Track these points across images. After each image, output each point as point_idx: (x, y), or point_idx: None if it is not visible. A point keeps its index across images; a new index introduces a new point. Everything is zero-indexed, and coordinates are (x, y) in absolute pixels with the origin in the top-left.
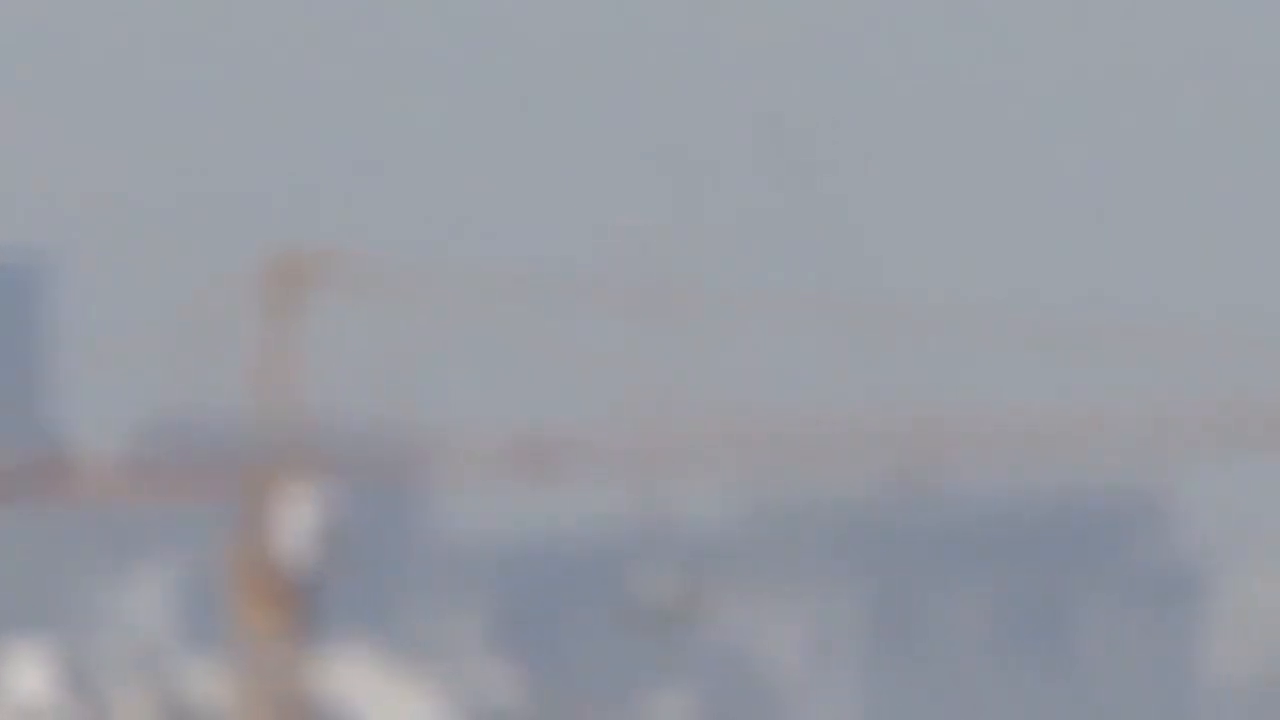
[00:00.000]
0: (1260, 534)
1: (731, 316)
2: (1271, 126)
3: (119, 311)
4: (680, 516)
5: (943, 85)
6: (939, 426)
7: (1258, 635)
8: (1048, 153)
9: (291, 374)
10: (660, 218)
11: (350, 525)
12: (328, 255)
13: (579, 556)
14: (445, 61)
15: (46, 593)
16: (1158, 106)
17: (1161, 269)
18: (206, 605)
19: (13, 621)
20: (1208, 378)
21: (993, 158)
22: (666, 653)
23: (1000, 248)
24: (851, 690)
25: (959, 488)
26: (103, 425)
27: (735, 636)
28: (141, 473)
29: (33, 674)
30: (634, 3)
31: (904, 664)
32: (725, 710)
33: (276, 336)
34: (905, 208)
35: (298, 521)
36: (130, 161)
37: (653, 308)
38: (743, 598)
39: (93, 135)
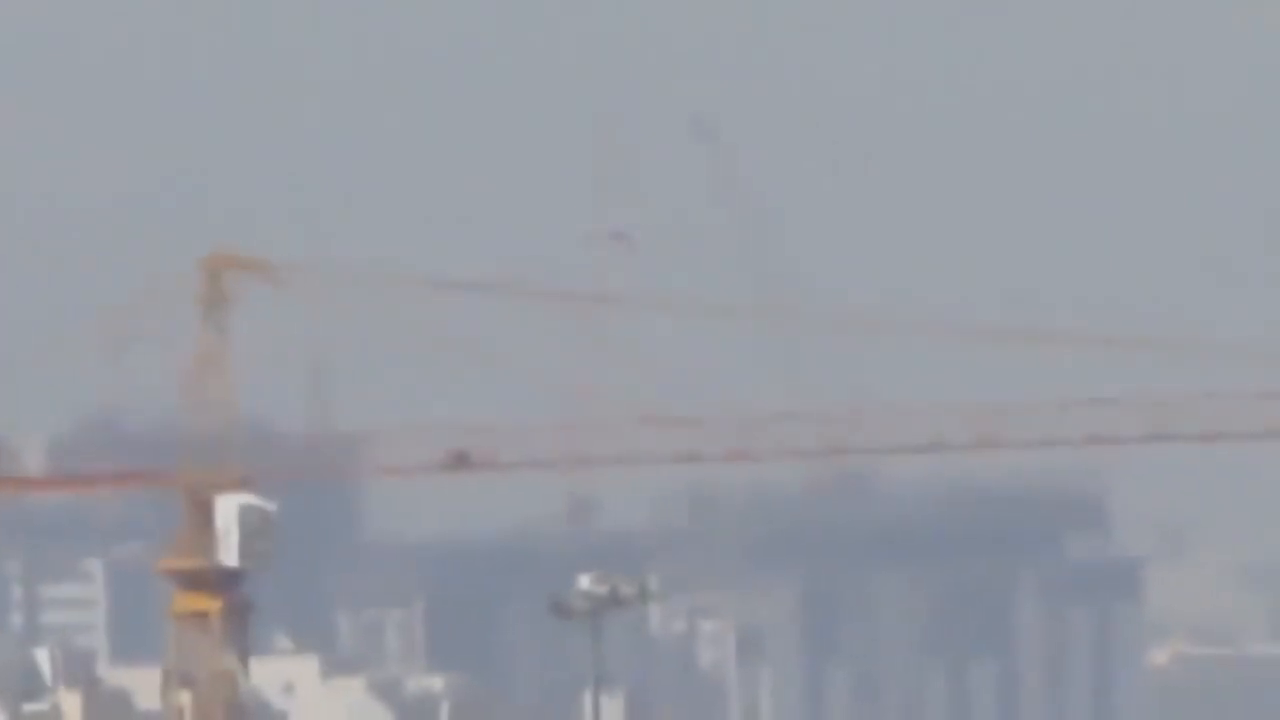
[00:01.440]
0: (1192, 528)
1: (657, 319)
2: (1203, 134)
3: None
4: (609, 515)
5: (867, 94)
6: (868, 424)
7: (1187, 627)
8: (973, 158)
9: (222, 375)
10: (586, 223)
11: (280, 524)
12: (258, 261)
13: (508, 555)
14: (379, 71)
15: None
16: (1086, 113)
17: (1092, 270)
18: (138, 602)
19: None
20: (1140, 376)
21: (918, 164)
22: (596, 649)
23: (929, 251)
24: (781, 684)
25: (889, 484)
26: (33, 423)
27: (665, 632)
28: (72, 470)
29: None
30: (561, 13)
31: (834, 658)
32: (656, 705)
33: (207, 339)
34: (831, 213)
35: (228, 520)
36: (60, 164)
37: (579, 311)
38: (672, 594)
39: (25, 139)
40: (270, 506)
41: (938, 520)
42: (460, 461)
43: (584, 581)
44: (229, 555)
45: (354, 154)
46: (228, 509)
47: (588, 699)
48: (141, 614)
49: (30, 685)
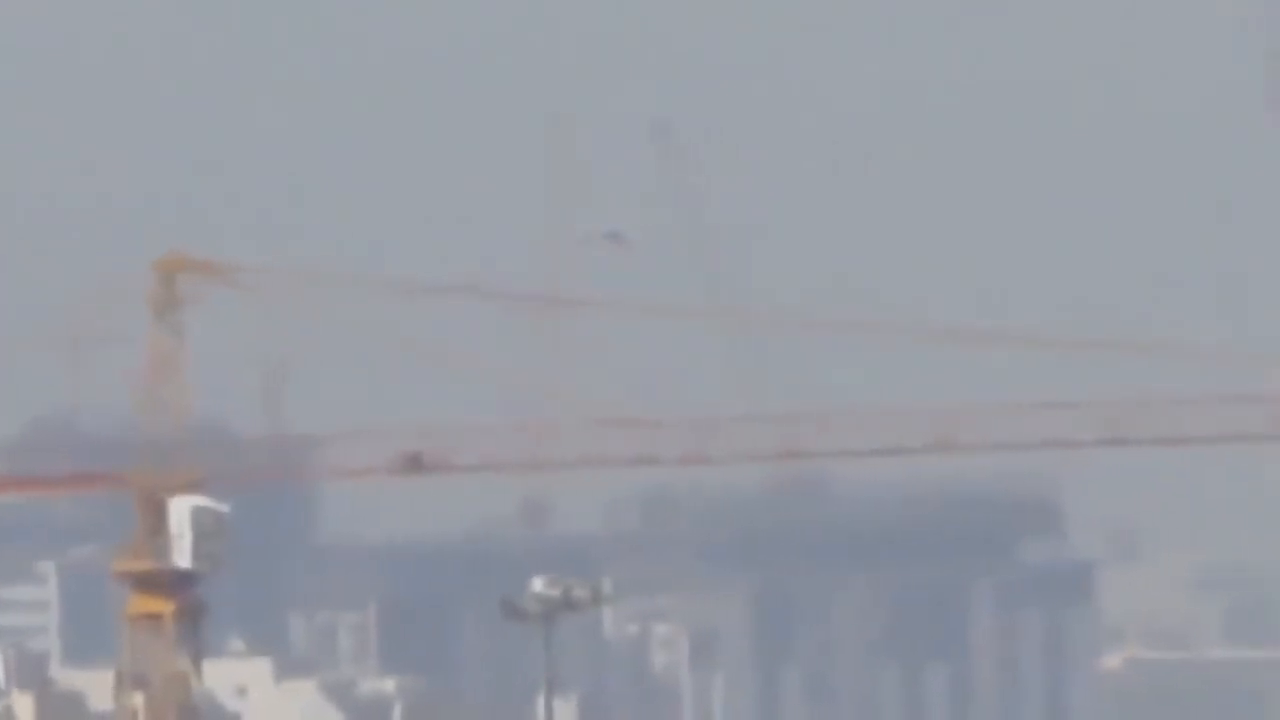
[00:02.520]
0: (1146, 532)
1: (613, 322)
2: (1160, 138)
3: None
4: (563, 517)
5: (825, 98)
6: (824, 427)
7: (1141, 631)
8: (931, 162)
9: (176, 377)
10: (545, 226)
11: (234, 526)
12: (212, 263)
13: (462, 558)
14: (336, 75)
15: None
16: (1043, 116)
17: (1047, 274)
18: (91, 604)
19: None
20: (1095, 379)
21: (876, 167)
22: (550, 652)
23: (886, 254)
24: (735, 687)
25: (845, 487)
26: None
27: (619, 635)
28: (25, 472)
29: None
30: (518, 16)
31: (788, 661)
32: (609, 708)
33: (162, 341)
34: (788, 216)
35: (182, 522)
36: (15, 166)
37: (535, 313)
38: (626, 597)
39: None
40: (224, 508)
41: (893, 523)
42: (414, 464)
43: (537, 584)
44: (182, 557)
45: (310, 156)
46: (181, 511)
47: (541, 702)
48: (95, 616)
49: None
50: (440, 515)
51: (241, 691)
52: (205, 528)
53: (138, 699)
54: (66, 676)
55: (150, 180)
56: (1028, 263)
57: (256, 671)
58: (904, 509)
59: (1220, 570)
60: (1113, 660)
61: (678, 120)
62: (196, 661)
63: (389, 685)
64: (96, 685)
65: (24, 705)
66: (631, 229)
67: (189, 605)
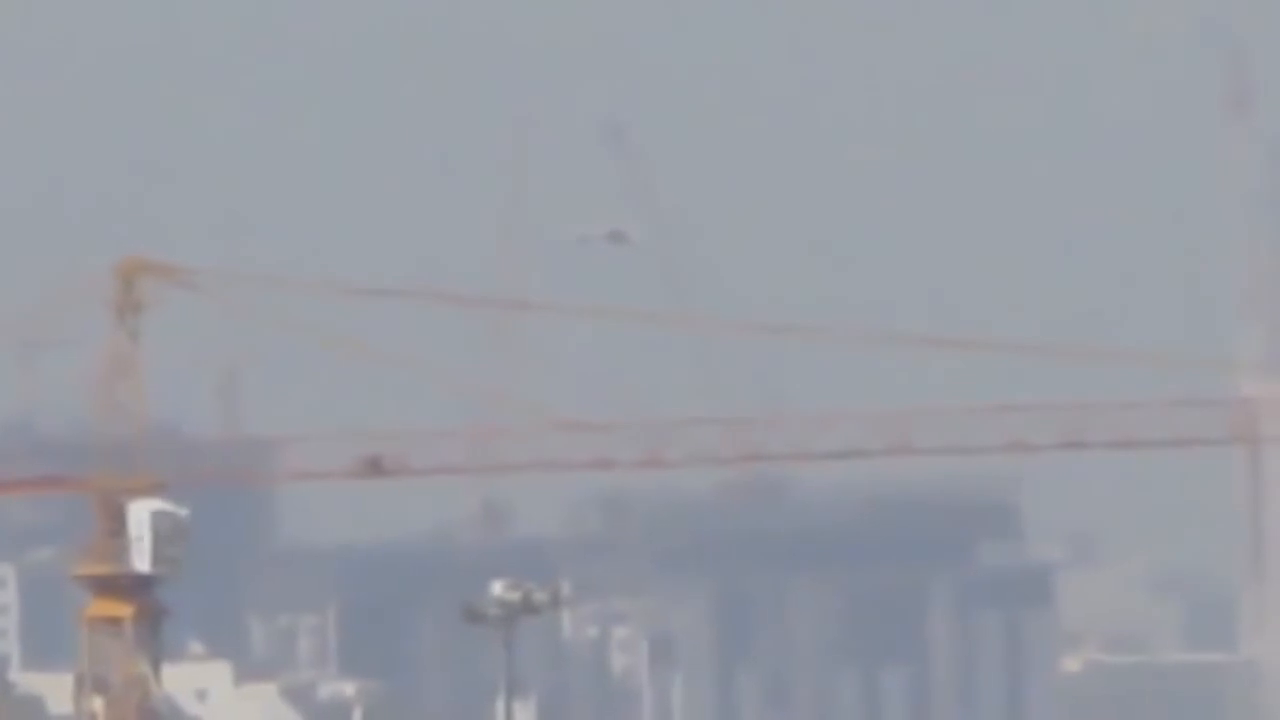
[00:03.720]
0: (1105, 535)
1: (571, 325)
2: (1117, 143)
3: None
4: (522, 521)
5: (782, 100)
6: (781, 431)
7: (1100, 634)
8: (888, 166)
9: (134, 380)
10: (502, 230)
11: (193, 530)
12: (170, 267)
13: (420, 561)
14: (292, 77)
15: None
16: (1001, 121)
17: (1005, 278)
18: (51, 607)
19: None
20: (1053, 383)
21: (833, 170)
22: (509, 655)
23: (844, 258)
24: (694, 689)
25: (803, 491)
26: None
27: (578, 638)
28: None
29: None
30: (474, 17)
31: (746, 664)
32: (568, 711)
33: (120, 344)
34: (745, 219)
35: (141, 526)
36: None
37: (493, 317)
38: (585, 600)
39: None
40: (183, 512)
41: (851, 526)
42: (373, 467)
43: (496, 587)
44: (142, 561)
45: (267, 160)
46: (140, 515)
47: (500, 704)
48: (54, 619)
49: None
50: (399, 518)
51: (201, 695)
52: (164, 531)
53: (97, 702)
54: (26, 680)
55: (106, 184)
56: (986, 267)
57: (216, 675)
58: (862, 512)
59: (1178, 574)
60: (1071, 663)
61: (636, 124)
62: (156, 665)
63: (348, 688)
64: (56, 688)
65: None
66: (589, 232)
67: (148, 609)
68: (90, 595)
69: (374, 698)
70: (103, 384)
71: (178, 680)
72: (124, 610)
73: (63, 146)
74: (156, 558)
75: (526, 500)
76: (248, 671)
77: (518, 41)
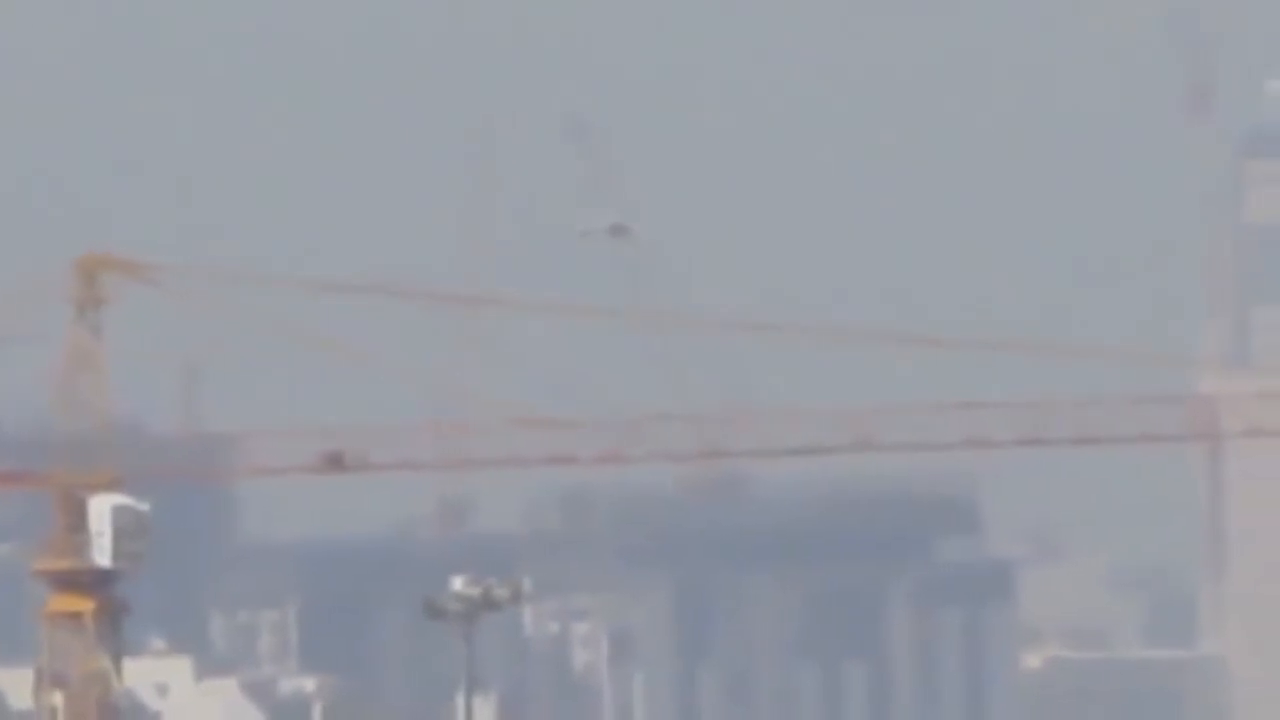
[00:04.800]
0: (1064, 532)
1: (531, 321)
2: (1077, 138)
3: None
4: (482, 517)
5: (742, 96)
6: (742, 427)
7: (1060, 630)
8: (848, 161)
9: (95, 376)
10: (463, 225)
11: (153, 525)
12: (132, 262)
13: (381, 557)
14: (254, 72)
15: None
16: (962, 116)
17: (965, 273)
18: (11, 602)
19: None
20: (1012, 379)
21: (793, 166)
22: (469, 651)
23: (804, 253)
24: (654, 686)
25: (763, 487)
26: None
27: (538, 634)
28: None
29: None
30: (436, 14)
31: (706, 660)
32: (529, 707)
33: (81, 339)
34: (705, 215)
35: (101, 521)
36: None
37: (454, 313)
38: (546, 596)
39: None
40: (143, 507)
41: (811, 522)
42: (334, 463)
43: (457, 583)
44: (102, 556)
45: (228, 155)
46: (101, 510)
47: (461, 700)
48: (14, 615)
49: None
50: (360, 514)
51: (162, 690)
52: (125, 526)
53: (57, 698)
54: None
55: (68, 180)
56: (947, 264)
57: (176, 670)
58: (822, 508)
59: (1139, 570)
60: (1031, 660)
61: (597, 120)
62: (117, 660)
63: (309, 684)
64: (16, 684)
65: None
66: (550, 227)
67: (109, 604)
68: (50, 590)
69: (335, 693)
70: (64, 379)
71: (138, 675)
72: (85, 605)
73: (24, 142)
74: (117, 553)
75: (488, 496)
76: (208, 667)
77: (482, 38)
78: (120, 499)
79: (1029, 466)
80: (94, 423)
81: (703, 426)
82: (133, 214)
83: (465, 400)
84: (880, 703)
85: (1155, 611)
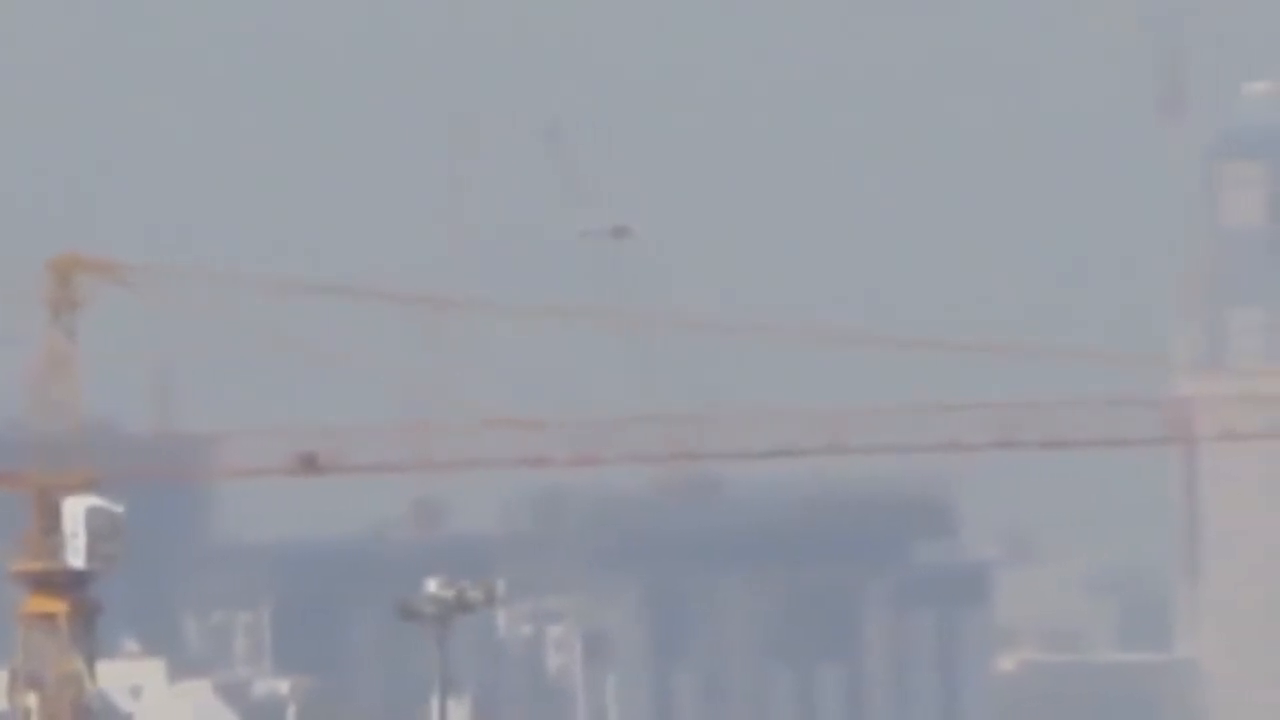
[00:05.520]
0: (1039, 534)
1: (505, 322)
2: (1051, 140)
3: None
4: (456, 518)
5: (716, 98)
6: (716, 429)
7: (1034, 633)
8: (823, 162)
9: (70, 377)
10: (438, 227)
11: (128, 527)
12: (106, 263)
13: (355, 558)
14: (228, 73)
15: None
16: (936, 117)
17: (940, 275)
18: None
19: None
20: (988, 382)
21: (768, 167)
22: (443, 653)
23: (778, 254)
24: (628, 688)
25: (737, 489)
26: None
27: (512, 636)
28: None
29: None
30: (413, 15)
31: (681, 662)
32: (502, 709)
33: (55, 340)
34: (679, 216)
35: (76, 522)
36: None
37: (428, 314)
38: (519, 598)
39: None
40: (118, 509)
41: (785, 524)
42: (308, 464)
43: (431, 585)
44: (77, 557)
45: (202, 156)
46: (75, 511)
47: (434, 702)
48: None
49: None
50: (334, 516)
51: (135, 692)
52: (100, 528)
53: (31, 699)
54: None
55: (42, 181)
56: (921, 266)
57: (150, 672)
58: (796, 510)
59: (1113, 573)
60: (1006, 662)
61: (573, 122)
62: (90, 662)
63: (283, 685)
64: None
65: None
66: (525, 229)
67: (83, 605)
68: (25, 591)
69: (308, 695)
70: (38, 381)
71: (112, 677)
72: (58, 607)
73: None
74: (91, 554)
75: (461, 498)
76: (182, 669)
77: (457, 40)
78: (95, 501)
79: (1004, 469)
80: (69, 424)
81: (677, 428)
82: (107, 215)
83: (439, 401)
84: (855, 705)
85: (1130, 614)
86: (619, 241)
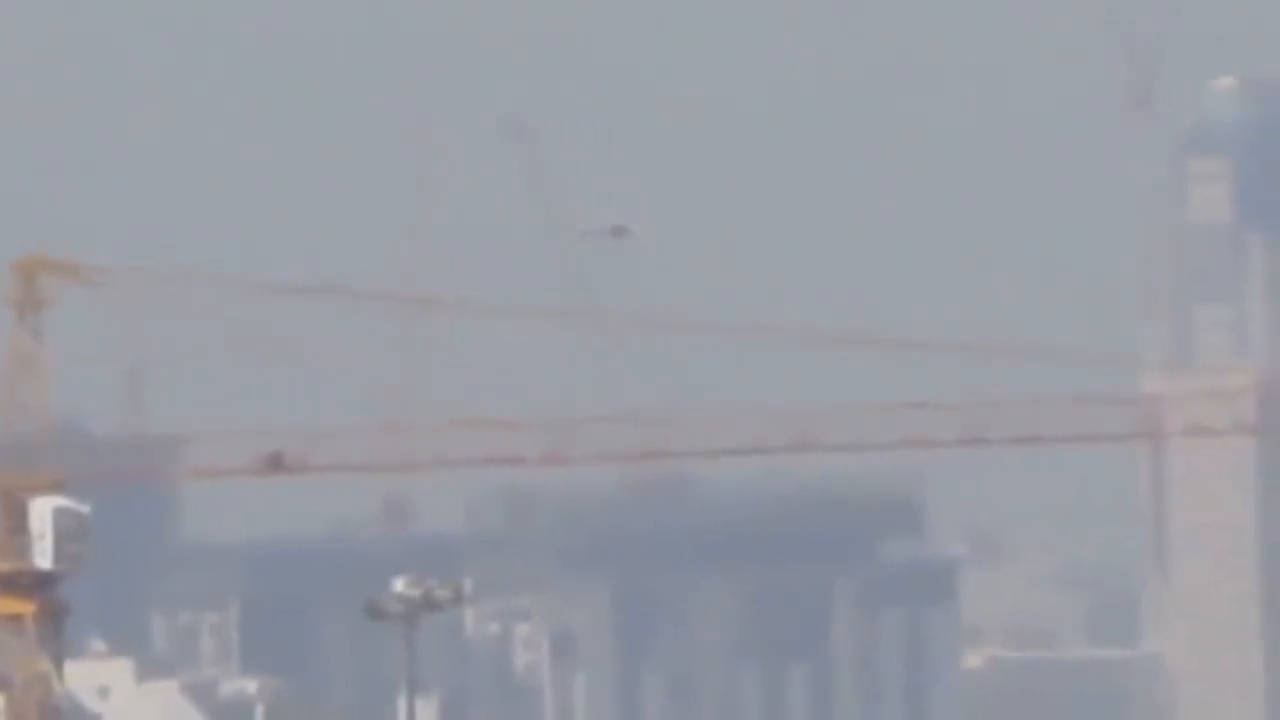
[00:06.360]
0: (1007, 531)
1: (473, 321)
2: (1016, 140)
3: None
4: (424, 517)
5: (683, 96)
6: (684, 427)
7: (1002, 630)
8: (791, 161)
9: (37, 378)
10: (405, 226)
11: (95, 527)
12: (72, 264)
13: (323, 558)
14: (196, 73)
15: None
16: (903, 117)
17: (907, 273)
18: None
19: None
20: (955, 379)
21: (736, 165)
22: (411, 652)
23: (745, 253)
24: (596, 686)
25: (706, 487)
26: None
27: (480, 635)
28: None
29: None
30: (377, 14)
31: (648, 661)
32: (470, 708)
33: (22, 341)
34: (648, 214)
35: (43, 523)
36: None
37: (395, 313)
38: (487, 597)
39: None
40: (85, 509)
41: (753, 523)
42: (275, 464)
43: (398, 584)
44: (44, 558)
45: (168, 156)
46: (42, 512)
47: (402, 701)
48: None
49: None
50: (301, 515)
51: (103, 692)
52: (67, 529)
53: (0, 699)
54: None
55: (7, 181)
56: (887, 263)
57: (118, 672)
58: (765, 509)
59: (1081, 570)
60: (974, 659)
61: (539, 120)
62: (58, 662)
63: (250, 685)
64: None
65: None
66: (492, 228)
67: (51, 606)
68: None
69: (276, 695)
70: (5, 382)
71: (80, 678)
72: (26, 607)
73: None
74: (59, 555)
75: (429, 497)
76: (149, 669)
77: (423, 38)
78: (62, 501)
79: (972, 466)
80: (35, 425)
81: (646, 427)
82: (73, 215)
83: (407, 401)
84: (823, 703)
85: (1098, 611)
86: (618, 241)
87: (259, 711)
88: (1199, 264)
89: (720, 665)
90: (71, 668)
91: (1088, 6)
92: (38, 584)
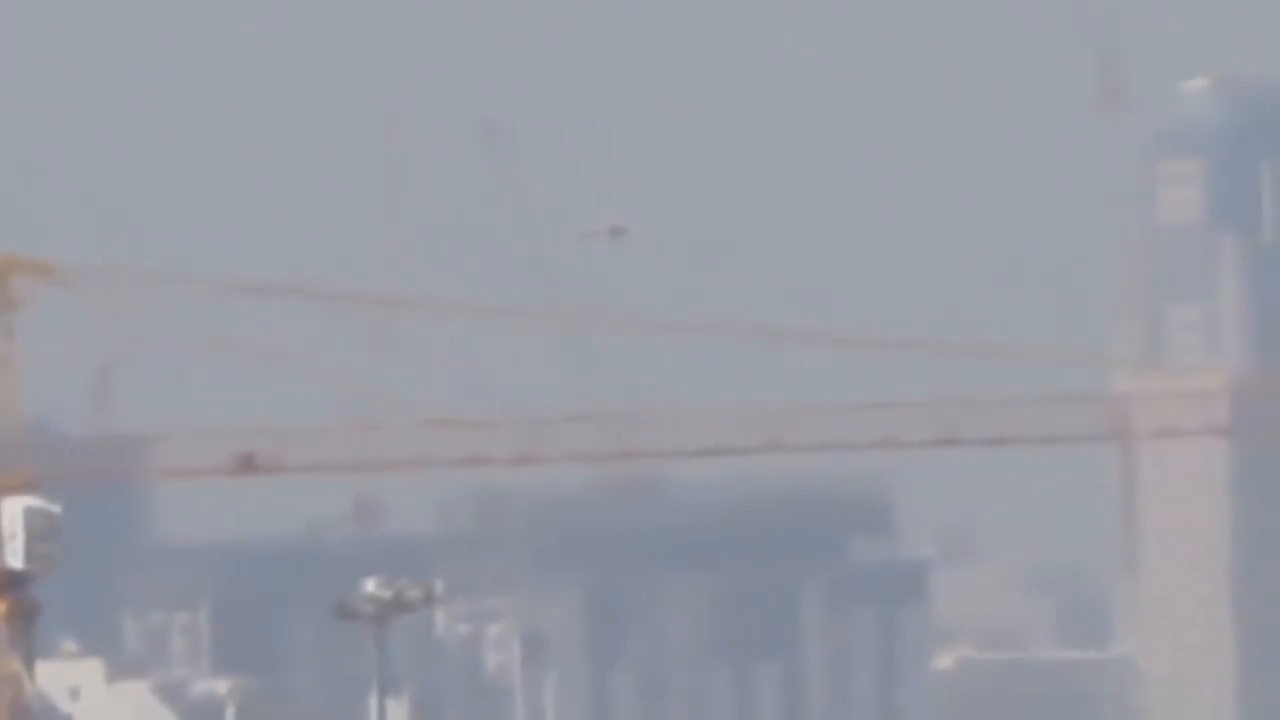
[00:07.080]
0: (977, 532)
1: (444, 321)
2: (991, 137)
3: None
4: (395, 518)
5: (654, 95)
6: (654, 427)
7: (973, 631)
8: (762, 159)
9: (8, 378)
10: (377, 227)
11: (65, 527)
12: (44, 263)
13: (294, 558)
14: (169, 72)
15: None
16: (877, 114)
17: (878, 273)
18: None
19: None
20: (925, 379)
21: (706, 164)
22: (381, 653)
23: (716, 252)
24: (567, 687)
25: (676, 488)
26: None
27: (451, 636)
28: None
29: None
30: (350, 14)
31: (619, 661)
32: (441, 708)
33: None
34: (617, 215)
35: (13, 523)
36: None
37: (367, 313)
38: (458, 597)
39: None
40: (55, 509)
41: (724, 523)
42: (246, 464)
43: (369, 584)
44: (15, 558)
45: (139, 155)
46: (13, 512)
47: (373, 702)
48: None
49: None
50: (272, 516)
51: (74, 693)
52: (38, 529)
53: None
54: None
55: None
56: (857, 263)
57: (88, 672)
58: (735, 509)
59: (1051, 571)
60: (944, 660)
61: (511, 120)
62: (29, 662)
63: (221, 686)
64: None
65: None
66: (463, 228)
67: (21, 606)
68: None
69: (247, 695)
70: None
71: (50, 678)
72: None
73: None
74: (29, 555)
75: (399, 497)
76: (120, 669)
77: (393, 38)
78: (33, 501)
79: (942, 467)
80: (7, 425)
81: (616, 427)
82: (44, 215)
83: (378, 401)
84: (793, 703)
85: (1068, 612)
86: (618, 241)
87: (230, 712)
88: (1170, 264)
89: (691, 665)
90: (42, 668)
91: (1058, 6)
92: (8, 584)
